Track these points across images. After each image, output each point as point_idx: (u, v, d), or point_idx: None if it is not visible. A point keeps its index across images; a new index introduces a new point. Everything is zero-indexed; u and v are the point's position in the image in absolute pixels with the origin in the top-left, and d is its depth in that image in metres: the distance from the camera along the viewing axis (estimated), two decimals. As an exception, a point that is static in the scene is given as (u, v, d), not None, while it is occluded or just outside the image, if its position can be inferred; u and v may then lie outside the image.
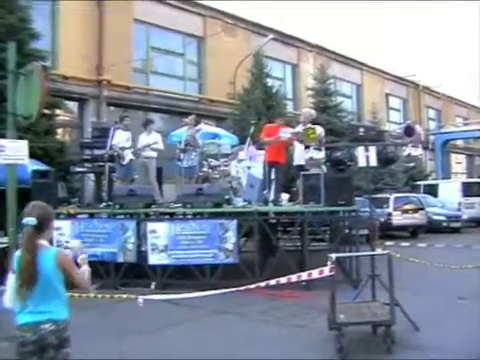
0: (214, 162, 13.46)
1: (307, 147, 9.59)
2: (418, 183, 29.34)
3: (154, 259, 11.07)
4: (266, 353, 6.88)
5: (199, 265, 10.95)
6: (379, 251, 8.89)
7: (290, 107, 26.55)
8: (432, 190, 27.02)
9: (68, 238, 10.99)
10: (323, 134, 11.11)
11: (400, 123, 36.44)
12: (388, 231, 20.73)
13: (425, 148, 32.94)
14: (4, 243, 10.80)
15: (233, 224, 10.94)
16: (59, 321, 3.91)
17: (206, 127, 16.34)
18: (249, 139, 13.74)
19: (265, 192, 12.45)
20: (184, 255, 10.98)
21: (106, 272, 11.23)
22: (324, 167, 11.69)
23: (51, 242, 4.92)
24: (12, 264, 3.93)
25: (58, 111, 16.99)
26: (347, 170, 11.15)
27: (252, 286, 7.46)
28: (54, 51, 18.68)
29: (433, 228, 22.61)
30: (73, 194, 15.33)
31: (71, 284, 4.06)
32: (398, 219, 21.44)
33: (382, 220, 20.62)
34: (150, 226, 11.21)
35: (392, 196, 22.29)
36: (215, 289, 7.47)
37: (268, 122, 14.39)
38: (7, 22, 14.00)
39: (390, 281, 6.97)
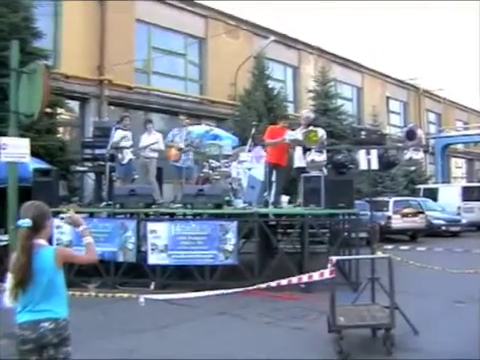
0: (215, 163, 13.47)
1: (308, 149, 9.58)
2: (418, 187, 29.35)
3: (154, 259, 11.08)
4: (265, 355, 6.89)
5: (199, 266, 10.96)
6: (379, 254, 8.90)
7: (291, 109, 26.57)
8: (432, 194, 27.03)
9: (68, 237, 11.02)
10: (325, 136, 11.11)
11: (400, 126, 36.49)
12: (388, 234, 20.75)
13: (425, 152, 32.95)
14: (5, 241, 10.84)
15: (233, 225, 10.95)
16: (59, 319, 3.92)
17: (197, 128, 16.30)
18: (250, 140, 13.76)
19: (265, 194, 12.46)
20: (184, 255, 10.99)
21: (106, 271, 11.24)
22: (325, 170, 11.69)
23: (50, 241, 4.93)
24: (10, 263, 3.92)
25: (59, 110, 16.99)
26: (348, 173, 11.16)
27: (252, 287, 7.48)
28: (56, 50, 18.69)
29: (432, 232, 22.62)
30: (73, 193, 15.34)
31: (70, 283, 4.08)
32: (398, 222, 21.42)
33: (382, 223, 20.64)
34: (150, 226, 11.22)
35: (392, 199, 22.28)
36: (215, 290, 7.48)
37: (269, 124, 14.38)
38: (10, 21, 14.02)
39: (390, 284, 6.97)
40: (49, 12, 18.57)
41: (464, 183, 37.05)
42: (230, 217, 11.41)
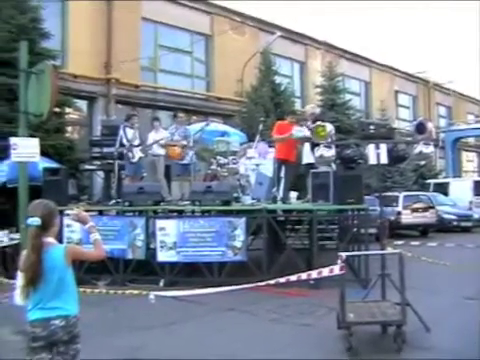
0: (223, 160, 13.46)
1: (317, 145, 9.54)
2: (428, 181, 29.00)
3: (163, 256, 11.10)
4: (274, 351, 6.87)
5: (207, 263, 10.96)
6: (389, 250, 8.87)
7: (298, 105, 26.48)
8: (442, 188, 26.72)
9: (78, 235, 11.06)
10: (333, 131, 11.07)
11: (409, 121, 36.23)
12: (398, 230, 20.63)
13: (435, 146, 32.78)
14: (16, 239, 10.94)
15: (242, 222, 10.95)
16: (69, 317, 3.95)
17: (195, 125, 16.27)
18: (258, 136, 13.75)
19: (274, 190, 12.44)
20: (193, 252, 11.00)
21: (115, 268, 11.27)
22: (334, 165, 11.65)
23: (61, 240, 4.96)
24: (20, 262, 3.95)
25: (68, 109, 17.05)
26: (357, 168, 11.11)
27: (262, 283, 7.47)
28: (64, 50, 18.76)
29: (443, 227, 22.37)
30: (83, 191, 15.41)
31: (80, 280, 4.10)
32: (408, 218, 21.23)
33: (392, 219, 20.51)
34: (159, 223, 11.24)
35: (402, 194, 22.10)
36: (223, 287, 7.48)
37: (277, 119, 14.35)
38: (19, 22, 14.18)
39: (401, 281, 6.93)
40: (56, 12, 18.66)
41: (476, 177, 36.79)
42: (238, 213, 11.41)
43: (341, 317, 6.86)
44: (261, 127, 13.83)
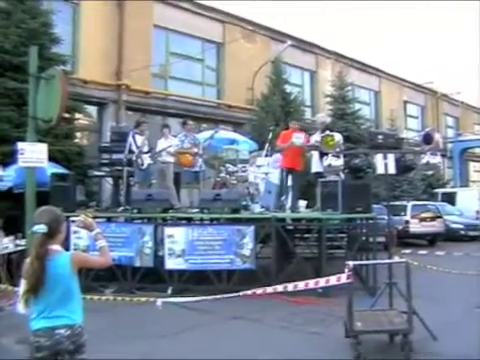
0: (232, 168, 13.47)
1: (325, 154, 9.56)
2: (436, 191, 29.09)
3: (171, 264, 11.09)
4: (282, 359, 6.87)
5: (216, 270, 10.95)
6: (397, 259, 8.85)
7: (308, 114, 26.50)
8: (450, 198, 26.78)
9: (85, 242, 11.07)
10: (342, 141, 11.08)
11: (418, 130, 36.25)
12: (405, 239, 20.61)
13: (443, 156, 32.71)
14: (22, 245, 10.92)
15: (250, 230, 10.94)
16: (75, 326, 3.90)
17: (204, 133, 16.29)
18: (267, 145, 13.76)
19: (282, 198, 12.44)
20: (201, 260, 10.99)
21: (123, 276, 11.27)
22: (342, 174, 11.65)
23: (68, 247, 4.96)
24: (23, 269, 3.91)
25: (77, 115, 17.11)
26: (365, 177, 11.11)
27: (270, 289, 7.46)
28: (74, 55, 18.84)
29: (451, 236, 22.36)
30: (91, 198, 15.43)
31: (87, 287, 4.08)
32: (416, 227, 21.23)
33: (400, 228, 20.50)
34: (167, 231, 11.24)
35: (410, 204, 22.09)
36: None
37: (286, 128, 14.38)
38: (30, 27, 14.16)
39: (408, 289, 6.92)
40: (67, 17, 18.74)
41: (483, 187, 36.66)
42: (247, 222, 11.39)
43: (349, 326, 6.86)
44: (270, 136, 13.85)
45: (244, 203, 12.42)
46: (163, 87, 22.29)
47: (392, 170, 8.39)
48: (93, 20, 19.37)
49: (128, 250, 11.29)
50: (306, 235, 12.81)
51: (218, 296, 7.48)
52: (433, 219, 21.68)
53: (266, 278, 10.66)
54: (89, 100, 18.68)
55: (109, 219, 12.33)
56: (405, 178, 26.63)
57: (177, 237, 11.09)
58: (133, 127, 13.35)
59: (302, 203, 13.92)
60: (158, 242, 11.46)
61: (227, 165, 13.65)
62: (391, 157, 8.39)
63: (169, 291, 10.81)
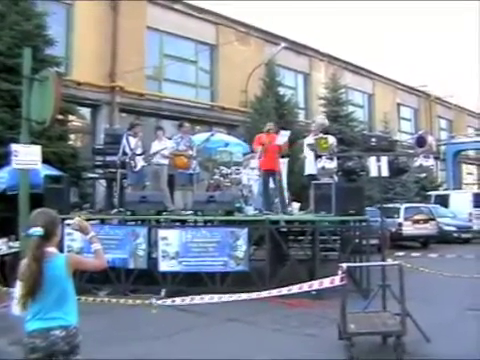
0: (226, 170, 13.48)
1: (319, 156, 9.58)
2: (429, 193, 29.20)
3: (165, 266, 11.09)
4: (276, 361, 6.90)
5: (209, 273, 10.96)
6: (390, 261, 8.88)
7: (302, 116, 26.56)
8: (443, 200, 26.91)
9: (79, 244, 11.05)
10: (335, 143, 11.10)
11: (411, 133, 36.39)
12: (399, 241, 20.70)
13: (436, 158, 32.83)
14: (15, 248, 10.90)
15: (244, 232, 10.96)
16: (70, 327, 3.90)
17: (200, 135, 16.30)
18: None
19: (276, 200, 12.46)
20: (195, 262, 11.00)
21: (117, 278, 11.26)
22: (335, 176, 11.68)
23: (61, 249, 4.95)
24: (19, 271, 3.90)
25: (71, 117, 17.08)
26: (358, 180, 11.15)
27: (264, 293, 7.47)
28: (68, 57, 18.81)
29: (444, 239, 22.48)
30: (85, 200, 15.40)
31: (81, 290, 4.08)
32: (409, 229, 21.34)
33: (393, 230, 20.58)
34: (161, 233, 11.24)
35: (403, 206, 22.20)
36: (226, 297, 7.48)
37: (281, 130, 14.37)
38: (23, 28, 14.13)
39: (401, 291, 6.95)
40: (61, 19, 18.71)
41: (475, 189, 36.83)
42: (241, 224, 11.41)
43: (342, 328, 6.88)
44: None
45: (238, 205, 12.44)
46: (157, 89, 22.28)
47: (385, 172, 8.42)
48: (87, 22, 19.35)
49: (122, 252, 11.29)
50: (300, 237, 12.82)
51: (215, 299, 7.48)
52: (426, 221, 21.80)
53: (260, 280, 10.68)
54: (83, 102, 18.64)
55: (103, 221, 12.30)
56: (398, 180, 26.74)
57: (171, 239, 11.10)
58: (127, 129, 13.33)
59: (295, 205, 13.95)
60: (152, 244, 11.46)
61: (221, 167, 13.68)
62: (384, 160, 8.42)
63: (163, 293, 10.79)
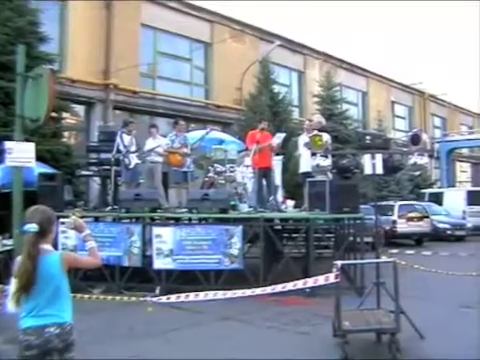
0: (220, 168, 13.47)
1: (314, 154, 9.60)
2: (423, 191, 29.33)
3: (159, 263, 11.07)
4: (271, 359, 6.89)
5: (204, 270, 10.94)
6: (384, 259, 8.89)
7: (296, 114, 26.58)
8: (437, 198, 27.01)
9: (74, 242, 11.04)
10: (330, 141, 11.13)
11: (405, 131, 36.45)
12: (393, 239, 20.74)
13: (430, 156, 32.90)
14: (10, 245, 10.85)
15: (238, 230, 10.94)
16: (64, 324, 3.89)
17: (194, 132, 16.28)
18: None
19: (271, 198, 12.46)
20: (189, 260, 10.97)
21: (111, 276, 11.23)
22: (330, 174, 11.68)
23: (56, 246, 4.93)
24: (14, 268, 3.89)
25: (65, 114, 17.03)
26: (353, 177, 11.15)
27: (258, 291, 7.47)
28: (62, 54, 18.75)
29: (438, 236, 22.59)
30: (79, 197, 15.35)
31: (75, 287, 4.05)
32: (403, 227, 21.39)
33: (387, 228, 20.62)
34: (156, 231, 11.21)
35: (397, 204, 22.26)
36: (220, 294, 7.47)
37: (276, 128, 14.39)
38: (16, 25, 14.05)
39: (395, 289, 6.96)
40: (55, 16, 18.66)
41: (469, 187, 36.96)
42: (235, 221, 11.40)
43: (336, 325, 6.89)
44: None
45: (232, 203, 12.42)
46: (151, 87, 22.26)
47: (380, 170, 8.42)
48: (81, 19, 19.30)
49: (116, 250, 11.26)
50: (294, 235, 12.83)
51: (209, 297, 7.46)
52: (420, 219, 21.86)
53: (254, 278, 10.68)
54: (77, 99, 18.62)
55: (97, 219, 12.28)
56: (392, 178, 26.83)
57: (165, 237, 11.07)
58: (121, 127, 13.29)
59: (290, 203, 13.95)
60: (146, 242, 11.43)
61: (215, 165, 13.65)
62: (379, 157, 8.42)
63: (157, 291, 10.78)
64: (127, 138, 12.71)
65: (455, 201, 25.92)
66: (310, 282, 7.32)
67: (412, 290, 9.80)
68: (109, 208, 12.42)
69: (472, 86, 78.75)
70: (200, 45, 24.47)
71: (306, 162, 11.89)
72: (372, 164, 8.41)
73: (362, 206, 12.52)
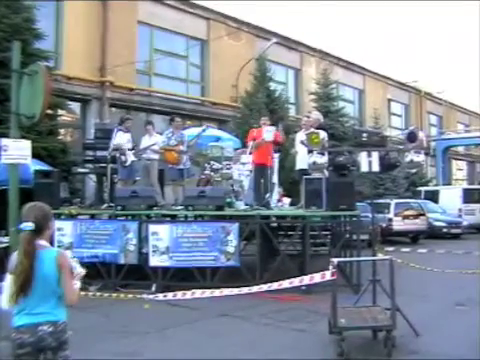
0: (216, 165, 13.46)
1: (310, 151, 9.60)
2: (419, 189, 29.37)
3: (155, 261, 11.06)
4: (267, 356, 6.90)
5: (200, 268, 10.94)
6: (380, 256, 8.91)
7: (292, 111, 26.59)
8: (433, 196, 27.05)
9: (70, 239, 11.03)
10: (326, 138, 11.12)
11: (402, 129, 36.50)
12: (389, 236, 20.77)
13: (426, 154, 32.95)
14: (5, 243, 10.82)
15: (235, 227, 10.95)
16: (58, 322, 3.86)
17: (191, 129, 16.27)
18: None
19: (267, 195, 12.46)
20: (185, 257, 10.97)
21: (107, 273, 11.23)
22: (326, 172, 11.69)
23: (51, 243, 4.91)
24: (10, 264, 3.85)
25: (61, 111, 16.99)
26: (349, 175, 11.16)
27: (255, 288, 7.47)
28: (58, 51, 18.69)
29: (433, 234, 22.62)
30: (75, 195, 15.32)
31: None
32: (399, 225, 21.42)
33: (383, 225, 20.65)
34: (152, 228, 11.21)
35: (393, 201, 22.30)
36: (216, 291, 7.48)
37: (271, 125, 14.39)
38: (12, 22, 14.00)
39: (391, 286, 6.97)
40: (51, 13, 18.60)
41: (465, 185, 37.08)
42: (231, 219, 11.40)
43: (333, 322, 6.89)
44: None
45: (228, 200, 12.42)
46: (147, 84, 22.22)
47: (376, 168, 8.43)
48: (77, 15, 19.25)
49: (112, 247, 11.25)
50: (290, 232, 12.83)
51: (206, 294, 7.47)
52: (416, 217, 21.92)
53: (250, 275, 10.68)
54: (72, 96, 18.54)
55: (93, 216, 12.24)
56: (389, 176, 26.84)
57: (161, 234, 11.07)
58: (117, 124, 13.26)
59: (286, 200, 13.94)
60: (142, 239, 11.42)
61: (212, 162, 13.64)
62: (375, 155, 8.43)
63: (153, 288, 10.79)
64: (123, 135, 12.67)
65: (451, 199, 25.97)
66: (306, 279, 7.34)
67: (408, 288, 9.84)
68: (105, 205, 12.39)
69: (468, 84, 78.89)
70: (196, 42, 24.42)
71: (303, 159, 11.87)
72: (368, 162, 8.42)
73: (358, 204, 12.53)
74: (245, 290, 7.44)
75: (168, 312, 8.91)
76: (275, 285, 7.29)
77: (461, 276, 10.34)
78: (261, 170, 12.54)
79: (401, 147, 9.76)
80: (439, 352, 6.85)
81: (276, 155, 14.09)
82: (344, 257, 11.53)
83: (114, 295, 8.96)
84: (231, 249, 10.85)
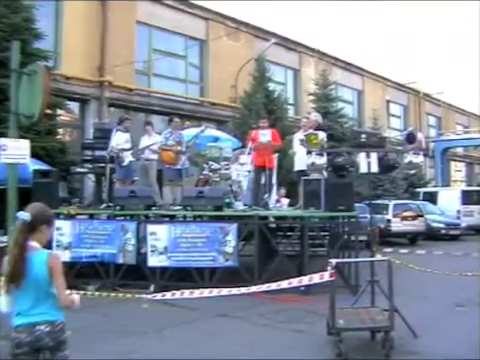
0: (215, 165, 13.46)
1: (309, 152, 9.61)
2: (418, 190, 29.37)
3: (154, 261, 11.07)
4: (265, 357, 6.90)
5: (198, 268, 10.94)
6: (379, 257, 8.91)
7: (291, 112, 26.57)
8: (431, 197, 27.03)
9: (68, 239, 11.02)
10: (325, 139, 11.12)
11: (400, 130, 36.50)
12: (387, 238, 20.73)
13: (425, 155, 32.97)
14: (4, 242, 10.81)
15: (233, 227, 10.95)
16: (55, 322, 3.88)
17: (189, 130, 16.26)
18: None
19: (266, 196, 12.46)
20: (184, 258, 10.98)
21: (105, 273, 11.23)
22: (325, 172, 11.69)
23: (50, 242, 4.92)
24: (3, 266, 3.88)
25: (60, 111, 16.98)
26: (348, 176, 11.16)
27: (253, 288, 7.47)
28: (57, 51, 18.64)
29: (432, 235, 22.63)
30: (73, 194, 15.32)
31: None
32: (397, 226, 21.40)
33: (381, 226, 20.62)
34: (150, 228, 11.21)
35: (392, 203, 22.27)
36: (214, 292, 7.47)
37: (270, 126, 14.40)
38: (11, 22, 13.99)
39: (390, 287, 6.98)
40: (50, 13, 18.58)
41: (464, 187, 37.08)
42: (230, 219, 11.41)
43: (331, 323, 6.90)
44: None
45: (227, 201, 12.42)
46: (146, 84, 22.19)
47: (375, 169, 8.44)
48: (76, 16, 19.22)
49: (110, 247, 11.26)
50: (289, 233, 12.83)
51: (205, 294, 7.46)
52: (415, 218, 21.91)
53: (249, 276, 10.68)
54: (71, 96, 18.52)
55: (92, 216, 12.25)
56: (387, 177, 26.81)
57: (160, 234, 11.07)
58: (116, 124, 13.26)
59: (285, 201, 13.94)
60: (141, 239, 11.42)
61: (210, 163, 13.64)
62: (374, 156, 8.44)
63: (151, 288, 10.79)
64: (123, 135, 12.68)
65: (450, 200, 25.96)
66: (305, 280, 7.34)
67: (406, 289, 9.84)
68: (104, 205, 12.40)
69: (467, 86, 78.98)
70: (195, 42, 24.40)
71: (301, 160, 11.87)
72: (367, 162, 8.43)
73: (357, 205, 12.53)
74: (243, 290, 7.43)
75: (166, 312, 8.91)
76: (274, 286, 7.28)
77: (460, 277, 10.31)
78: (261, 171, 12.55)
79: (400, 148, 9.77)
80: (438, 353, 6.86)
81: (274, 156, 14.11)
82: (342, 258, 11.53)
83: (112, 295, 8.94)
84: (229, 249, 10.85)
